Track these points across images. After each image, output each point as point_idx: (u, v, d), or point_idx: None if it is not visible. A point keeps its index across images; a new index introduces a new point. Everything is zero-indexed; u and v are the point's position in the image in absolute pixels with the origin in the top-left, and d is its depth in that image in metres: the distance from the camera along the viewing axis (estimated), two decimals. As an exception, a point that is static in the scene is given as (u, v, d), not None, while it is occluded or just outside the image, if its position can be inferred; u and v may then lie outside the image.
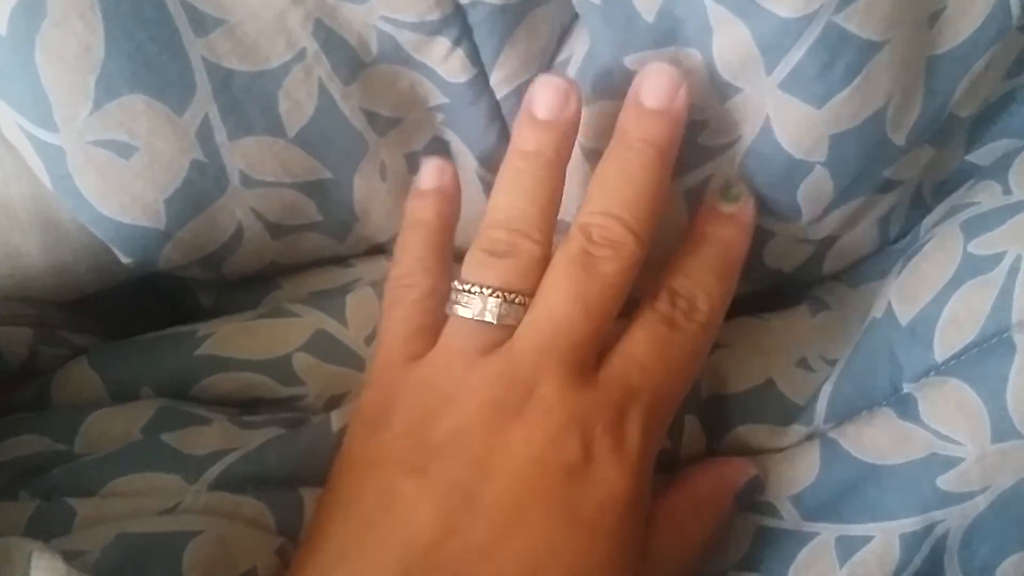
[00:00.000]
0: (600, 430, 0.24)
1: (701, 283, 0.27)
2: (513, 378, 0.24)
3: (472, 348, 0.25)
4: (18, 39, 0.24)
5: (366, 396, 0.27)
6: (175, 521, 0.25)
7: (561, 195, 0.27)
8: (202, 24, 0.26)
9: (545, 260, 0.26)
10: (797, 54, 0.25)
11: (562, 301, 0.25)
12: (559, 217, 0.27)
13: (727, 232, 0.28)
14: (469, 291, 0.26)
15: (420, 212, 0.30)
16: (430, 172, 0.30)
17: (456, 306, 0.26)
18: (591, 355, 0.25)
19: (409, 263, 0.29)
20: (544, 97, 0.27)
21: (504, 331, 0.25)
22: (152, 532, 0.24)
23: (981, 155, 0.31)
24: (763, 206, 0.29)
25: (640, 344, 0.26)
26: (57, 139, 0.26)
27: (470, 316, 0.26)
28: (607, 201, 0.26)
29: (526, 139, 0.27)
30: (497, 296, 0.25)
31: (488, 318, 0.25)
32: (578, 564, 0.23)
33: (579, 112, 0.27)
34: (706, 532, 0.27)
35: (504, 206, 0.27)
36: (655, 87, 0.26)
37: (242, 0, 0.26)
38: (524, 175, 0.27)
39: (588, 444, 0.24)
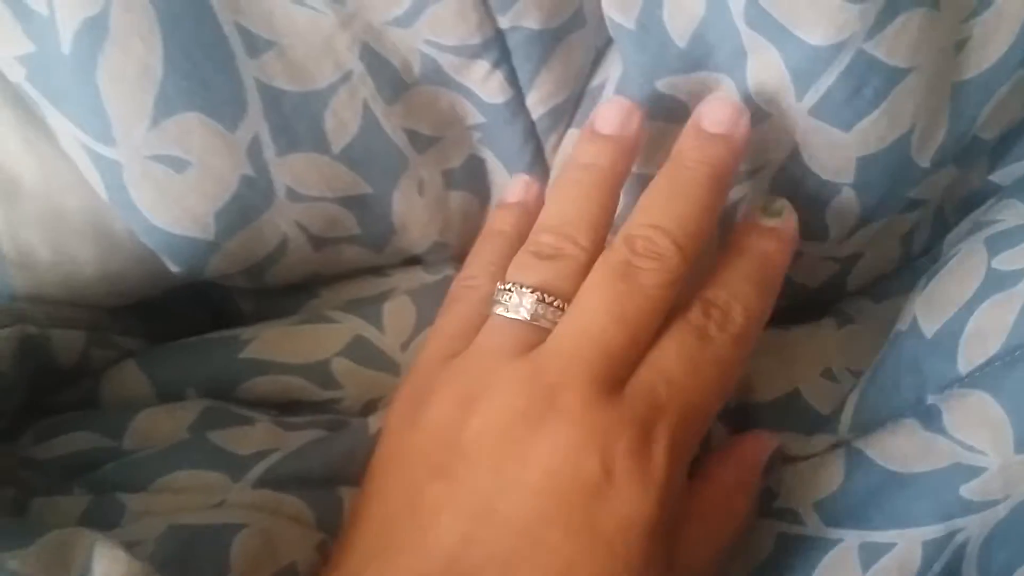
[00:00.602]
0: (622, 449, 0.23)
1: (737, 294, 0.26)
2: (539, 384, 0.24)
3: (505, 348, 0.25)
4: (81, 58, 0.25)
5: (404, 388, 0.28)
6: (222, 515, 0.25)
7: (615, 209, 0.27)
8: (254, 46, 0.27)
9: (590, 268, 0.26)
10: (828, 81, 0.26)
11: (597, 309, 0.24)
12: None
13: (768, 245, 0.27)
14: (509, 290, 0.26)
15: (499, 223, 0.30)
16: (517, 187, 0.31)
17: (496, 305, 0.26)
18: (622, 367, 0.24)
19: (479, 266, 0.29)
20: (608, 113, 0.27)
21: (539, 333, 0.25)
22: (201, 524, 0.25)
23: (1003, 175, 0.31)
24: None
25: (670, 357, 0.25)
26: (114, 153, 0.27)
27: (506, 314, 0.25)
28: (656, 215, 0.25)
29: (585, 152, 0.27)
30: (535, 294, 0.25)
31: (523, 315, 0.25)
32: None
33: (640, 132, 0.27)
34: (738, 520, 0.27)
35: (555, 212, 0.27)
36: (718, 113, 0.26)
37: (292, 23, 0.27)
38: (579, 185, 0.27)
39: (608, 463, 0.23)
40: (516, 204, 0.30)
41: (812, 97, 0.26)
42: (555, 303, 0.25)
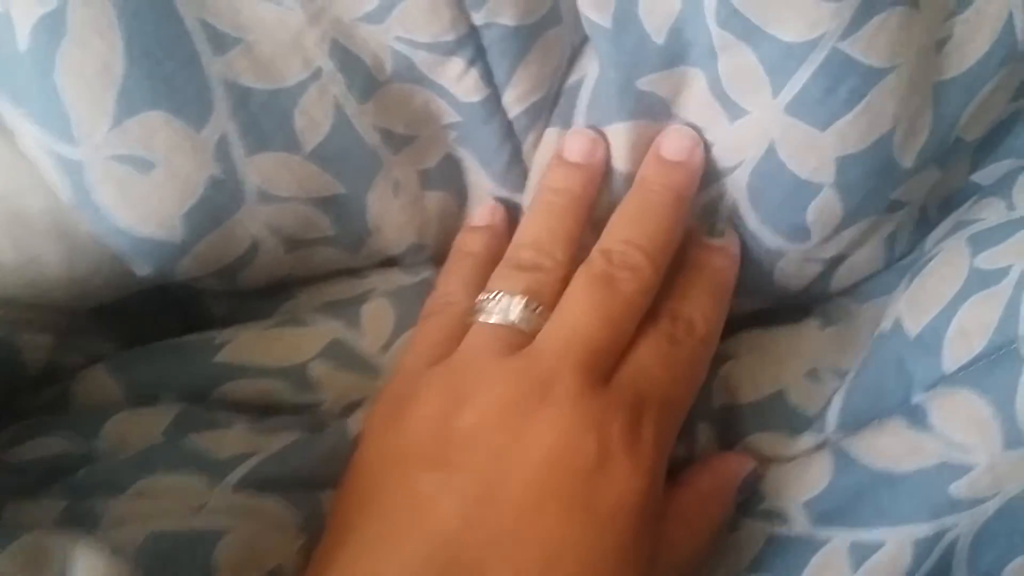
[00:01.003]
0: (617, 430, 0.25)
1: (698, 305, 0.28)
2: (532, 377, 0.25)
3: (494, 348, 0.26)
4: (39, 55, 0.25)
5: (388, 390, 0.28)
6: (203, 520, 0.25)
7: (584, 229, 0.29)
8: (220, 43, 0.26)
9: (567, 280, 0.27)
10: (802, 78, 0.25)
11: (583, 309, 0.26)
12: None
13: (719, 261, 0.30)
14: (493, 298, 0.27)
15: (470, 245, 0.32)
16: (483, 212, 0.32)
17: (479, 313, 0.27)
18: (607, 363, 0.26)
19: (455, 283, 0.30)
20: (575, 143, 0.29)
21: (524, 337, 0.26)
22: (182, 531, 0.24)
23: (985, 175, 0.31)
24: (773, 227, 0.29)
25: (648, 356, 0.27)
26: (76, 154, 0.26)
27: (493, 320, 0.27)
28: (628, 231, 0.28)
29: (556, 178, 0.29)
30: (523, 299, 0.27)
31: (512, 318, 0.27)
32: (593, 558, 0.24)
33: (605, 161, 0.29)
34: (713, 526, 0.28)
35: (532, 231, 0.29)
36: (676, 143, 0.29)
37: (259, 20, 0.26)
38: (552, 206, 0.29)
39: (605, 443, 0.24)
40: (485, 227, 0.32)
41: (788, 94, 0.26)
42: (538, 309, 0.27)
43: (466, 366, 0.26)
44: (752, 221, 0.29)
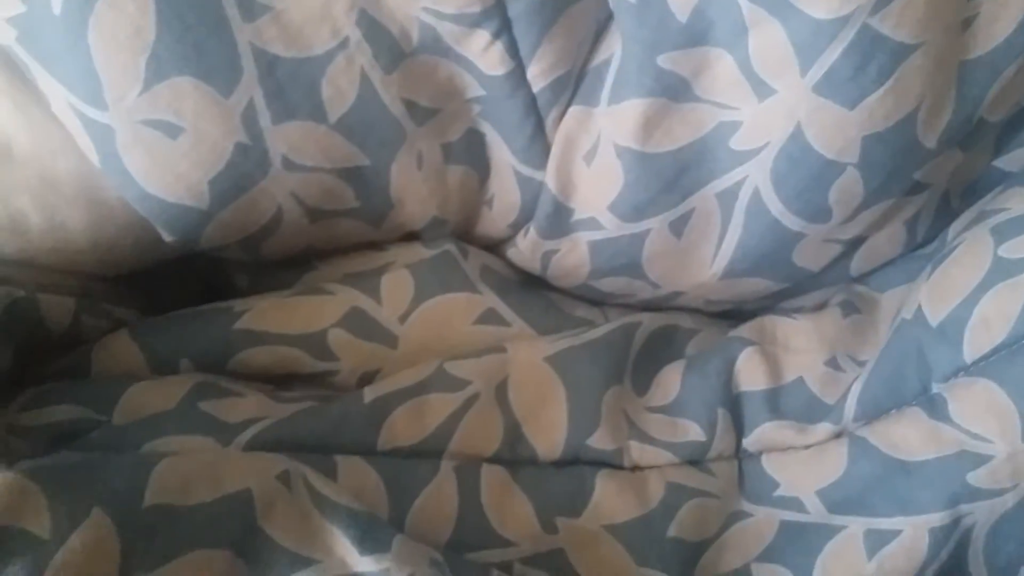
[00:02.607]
0: None
1: None
2: None
3: None
4: (72, 19, 0.25)
5: None
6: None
7: None
8: (250, 10, 0.26)
9: None
10: (832, 56, 0.25)
11: None
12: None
13: None
14: None
15: None
16: None
17: None
18: None
19: None
20: None
21: None
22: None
23: (1009, 160, 0.31)
24: (796, 209, 0.29)
25: None
26: (106, 117, 0.26)
27: None
28: None
29: None
30: None
31: None
32: None
33: None
34: None
35: None
36: None
37: None
38: None
39: None
40: None
41: (816, 73, 0.26)
42: None
43: None
44: (774, 205, 0.29)
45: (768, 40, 0.26)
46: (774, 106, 0.27)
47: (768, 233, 0.30)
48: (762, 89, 0.27)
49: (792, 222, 0.29)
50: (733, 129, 0.28)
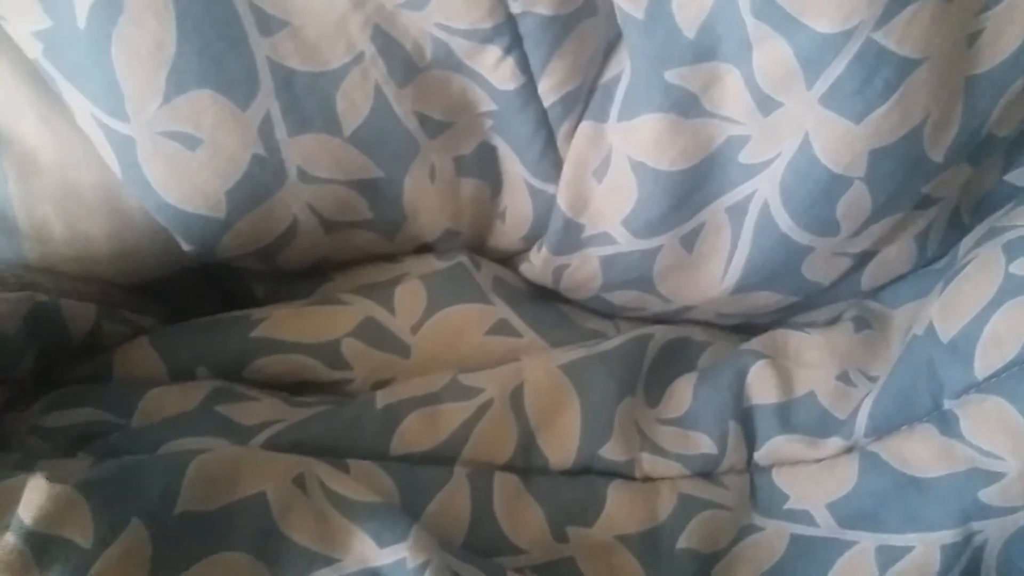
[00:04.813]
0: None
1: None
2: None
3: None
4: (96, 33, 0.26)
5: None
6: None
7: None
8: (267, 25, 0.27)
9: None
10: (837, 69, 0.25)
11: None
12: None
13: None
14: None
15: None
16: None
17: None
18: None
19: None
20: None
21: None
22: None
23: (1020, 175, 0.31)
24: (804, 223, 0.29)
25: None
26: (128, 129, 0.27)
27: None
28: None
29: None
30: None
31: None
32: None
33: None
34: None
35: None
36: None
37: (306, 3, 0.27)
38: None
39: None
40: None
41: (822, 86, 0.26)
42: None
43: None
44: (783, 219, 0.29)
45: (773, 55, 0.26)
46: (782, 119, 0.27)
47: (777, 247, 0.30)
48: (768, 103, 0.27)
49: (801, 236, 0.29)
50: (742, 143, 0.28)
